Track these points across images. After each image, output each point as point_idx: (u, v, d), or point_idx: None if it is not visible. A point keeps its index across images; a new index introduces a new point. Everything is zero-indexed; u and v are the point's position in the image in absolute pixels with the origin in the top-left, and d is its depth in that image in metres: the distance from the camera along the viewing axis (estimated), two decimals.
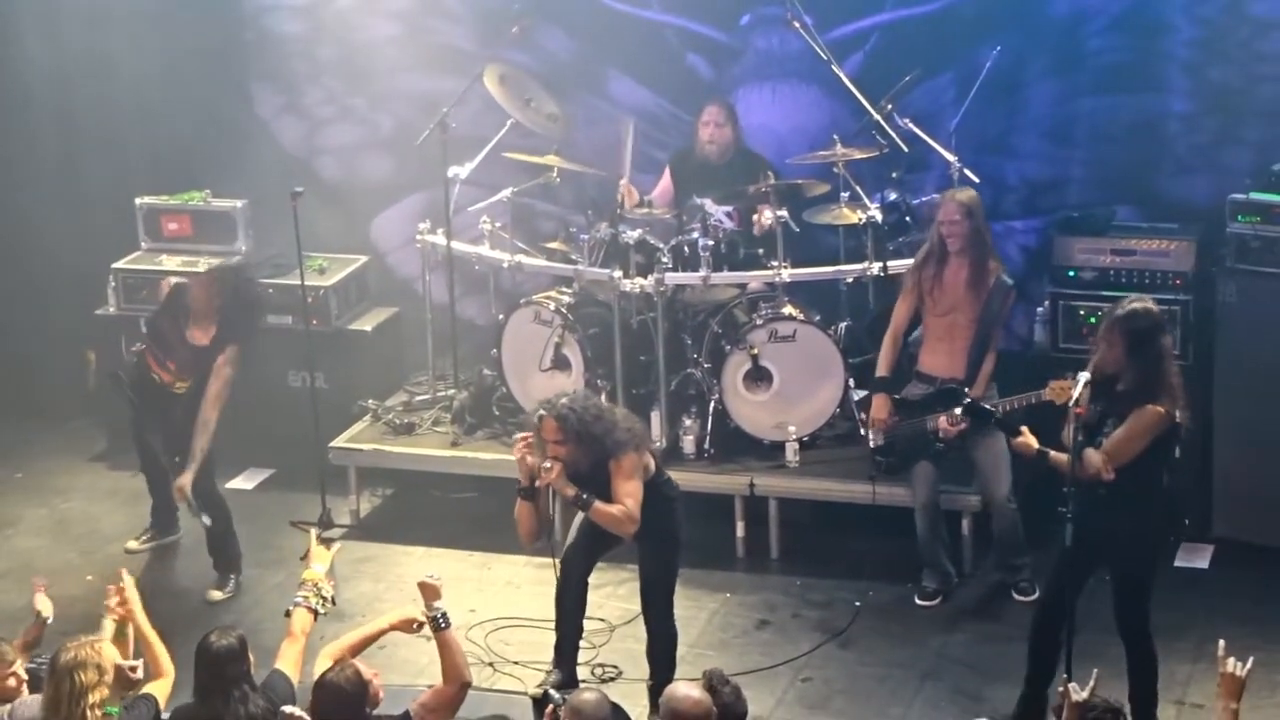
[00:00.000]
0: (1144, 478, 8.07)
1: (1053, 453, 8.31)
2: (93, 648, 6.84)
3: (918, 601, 9.84)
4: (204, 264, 11.26)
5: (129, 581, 7.52)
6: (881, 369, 9.94)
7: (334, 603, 7.64)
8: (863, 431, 10.21)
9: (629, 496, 8.54)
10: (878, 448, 9.90)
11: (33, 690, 7.29)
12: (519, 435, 8.86)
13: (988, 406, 8.95)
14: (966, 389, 9.55)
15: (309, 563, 7.64)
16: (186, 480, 10.13)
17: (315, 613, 7.49)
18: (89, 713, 6.72)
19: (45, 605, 7.78)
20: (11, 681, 7.26)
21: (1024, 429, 8.48)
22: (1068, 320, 10.38)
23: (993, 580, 9.96)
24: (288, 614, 7.48)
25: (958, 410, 9.30)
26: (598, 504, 8.53)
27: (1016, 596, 9.74)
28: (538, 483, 8.62)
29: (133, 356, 10.64)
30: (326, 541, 8.12)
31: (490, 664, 9.38)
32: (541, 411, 8.63)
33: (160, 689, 7.19)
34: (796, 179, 10.92)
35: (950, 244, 9.70)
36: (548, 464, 8.54)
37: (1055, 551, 8.50)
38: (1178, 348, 10.10)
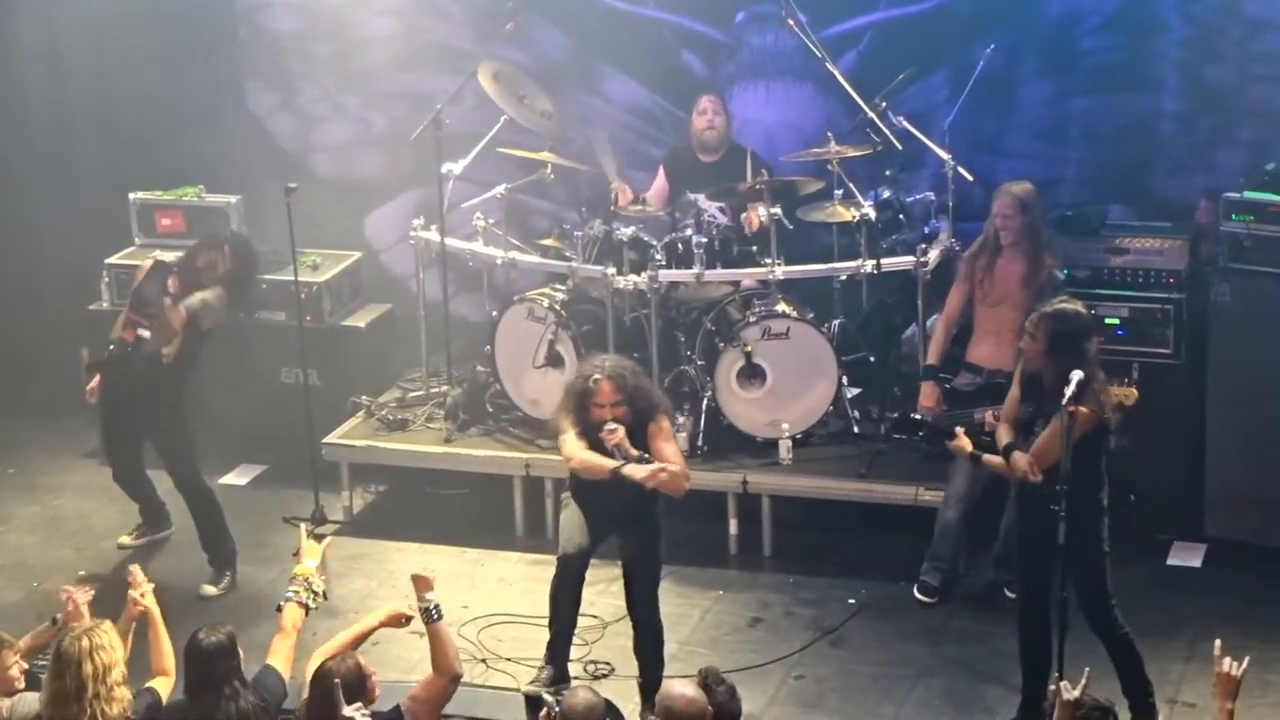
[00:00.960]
0: (1081, 479, 7.98)
1: (985, 455, 8.33)
2: (99, 630, 6.89)
3: (918, 596, 9.83)
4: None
5: (138, 576, 7.56)
6: (931, 357, 9.98)
7: (325, 597, 7.63)
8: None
9: (677, 455, 8.64)
10: (925, 431, 9.83)
11: (30, 688, 7.28)
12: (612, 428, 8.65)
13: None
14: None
15: (300, 558, 7.64)
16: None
17: (306, 607, 7.49)
18: (116, 689, 6.78)
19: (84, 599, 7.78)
20: (15, 670, 7.25)
21: (959, 431, 8.51)
22: None
23: (986, 579, 9.95)
24: (279, 609, 7.48)
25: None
26: (654, 465, 8.55)
27: (1010, 594, 9.73)
28: (607, 443, 8.55)
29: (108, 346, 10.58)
30: (317, 536, 8.12)
31: (483, 660, 9.38)
32: (596, 375, 8.64)
33: (163, 686, 7.22)
34: (790, 176, 10.93)
35: (1004, 236, 9.74)
36: (611, 426, 8.54)
37: (1021, 554, 8.53)
38: (1170, 346, 10.13)
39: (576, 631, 9.29)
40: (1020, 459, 8.15)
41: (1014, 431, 8.30)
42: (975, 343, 9.91)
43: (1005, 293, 9.75)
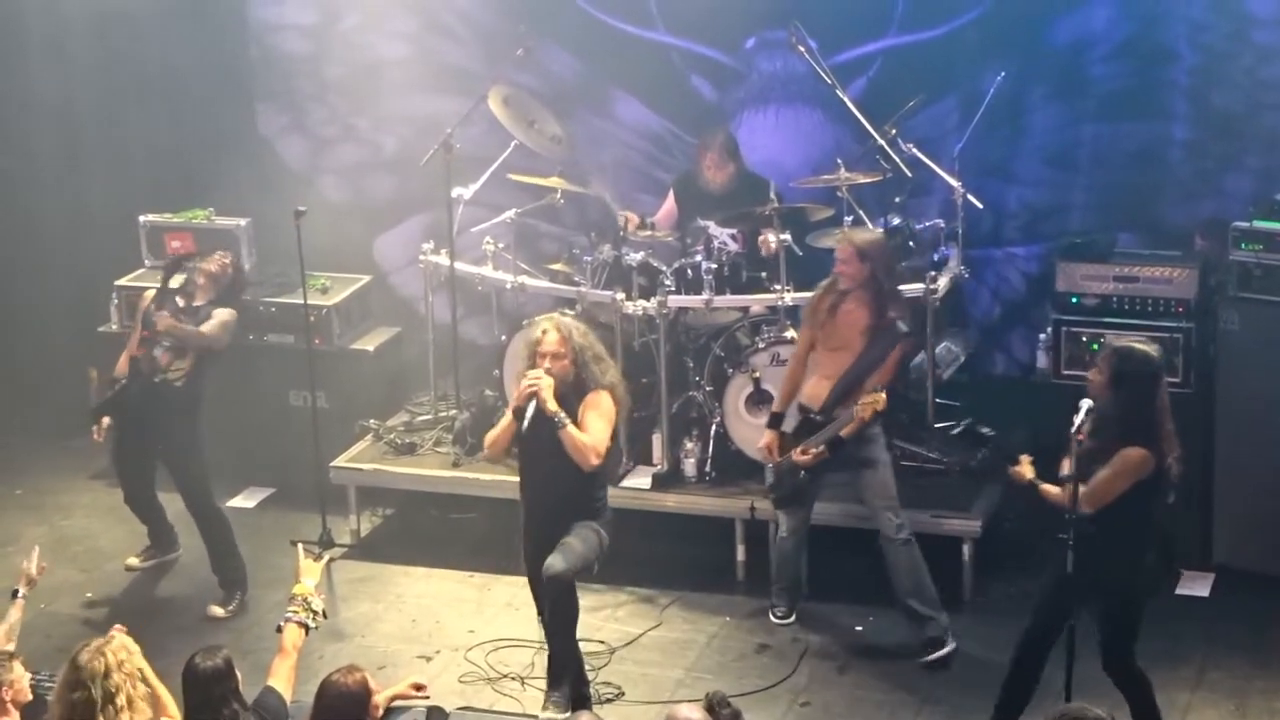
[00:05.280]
0: (1132, 521, 8.02)
1: (1042, 485, 8.30)
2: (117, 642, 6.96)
3: (773, 619, 9.88)
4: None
5: None
6: (777, 405, 9.82)
7: (325, 616, 7.62)
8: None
9: (598, 433, 8.60)
10: (770, 485, 9.87)
11: (34, 706, 7.30)
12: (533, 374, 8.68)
13: (985, 431, 8.78)
14: (817, 415, 9.51)
15: (299, 577, 7.65)
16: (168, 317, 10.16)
17: (306, 627, 7.49)
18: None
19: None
20: (26, 683, 7.26)
21: (1022, 458, 8.47)
22: (1070, 347, 10.36)
23: (992, 605, 9.95)
24: (279, 630, 7.48)
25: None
26: (571, 428, 8.52)
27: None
28: (523, 388, 8.59)
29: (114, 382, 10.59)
30: (315, 556, 8.11)
31: (490, 683, 9.36)
32: (546, 325, 8.72)
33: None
34: (800, 203, 10.93)
35: (841, 282, 9.55)
36: (535, 373, 8.55)
37: (1044, 580, 8.50)
38: (1179, 375, 10.10)
39: (584, 658, 9.35)
40: (1070, 490, 8.10)
41: (1074, 465, 8.26)
42: (809, 384, 9.68)
43: (846, 339, 9.52)
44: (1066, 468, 8.21)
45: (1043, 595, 8.48)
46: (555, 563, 8.55)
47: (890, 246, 9.94)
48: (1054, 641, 8.29)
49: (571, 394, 8.64)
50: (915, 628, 9.58)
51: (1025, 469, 8.40)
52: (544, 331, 8.70)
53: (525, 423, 8.61)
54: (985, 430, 8.43)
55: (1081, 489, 8.02)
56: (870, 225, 10.67)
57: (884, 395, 9.24)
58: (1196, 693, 9.06)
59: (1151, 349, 8.23)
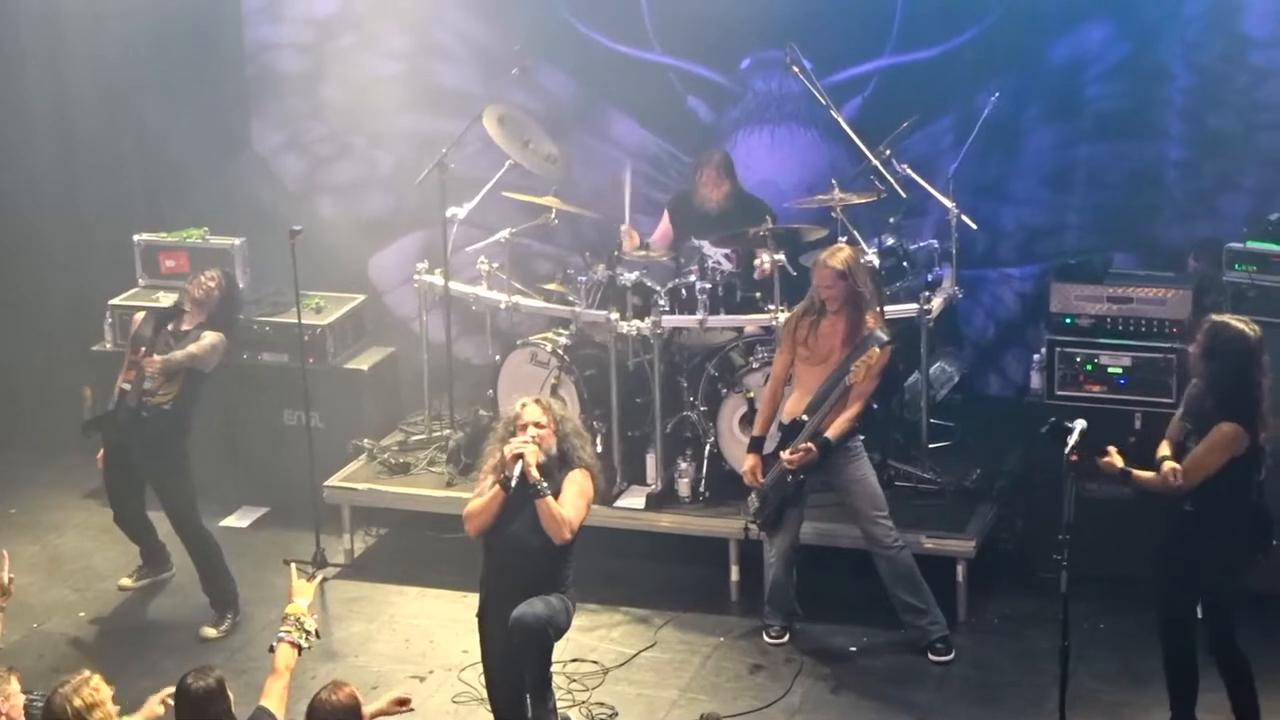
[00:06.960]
0: (1226, 497, 8.12)
1: (1136, 472, 8.28)
2: (89, 685, 6.87)
3: (767, 640, 9.85)
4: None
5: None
6: (757, 428, 9.81)
7: (317, 636, 7.60)
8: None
9: (575, 510, 8.53)
10: (754, 510, 9.84)
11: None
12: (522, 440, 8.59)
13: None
14: (802, 417, 9.54)
15: (292, 597, 7.63)
16: (157, 358, 10.14)
17: (299, 647, 7.47)
18: None
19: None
20: (18, 699, 7.22)
21: (1111, 449, 8.39)
22: (1064, 367, 10.34)
23: (986, 625, 9.94)
24: (271, 650, 7.47)
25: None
26: (549, 499, 8.43)
27: (932, 658, 9.66)
28: (509, 454, 8.50)
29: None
30: (308, 575, 8.09)
31: (483, 703, 9.34)
32: (526, 399, 8.69)
33: None
34: (794, 223, 10.93)
35: (829, 305, 9.57)
36: (525, 438, 8.50)
37: (1156, 567, 8.52)
38: (1173, 395, 10.08)
39: (578, 678, 9.39)
40: (1167, 465, 8.16)
41: (1172, 448, 8.31)
42: (791, 401, 9.71)
43: (830, 351, 9.56)
44: (1165, 449, 8.29)
45: (1157, 579, 8.53)
46: (529, 610, 8.48)
47: (862, 256, 9.94)
48: (1191, 624, 8.42)
49: (555, 468, 8.59)
50: (919, 632, 9.63)
51: (1115, 459, 8.34)
52: (523, 405, 8.65)
53: (509, 489, 8.55)
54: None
55: (1170, 464, 8.12)
56: (864, 246, 10.66)
57: (877, 350, 9.29)
58: None
59: (1248, 327, 8.28)
